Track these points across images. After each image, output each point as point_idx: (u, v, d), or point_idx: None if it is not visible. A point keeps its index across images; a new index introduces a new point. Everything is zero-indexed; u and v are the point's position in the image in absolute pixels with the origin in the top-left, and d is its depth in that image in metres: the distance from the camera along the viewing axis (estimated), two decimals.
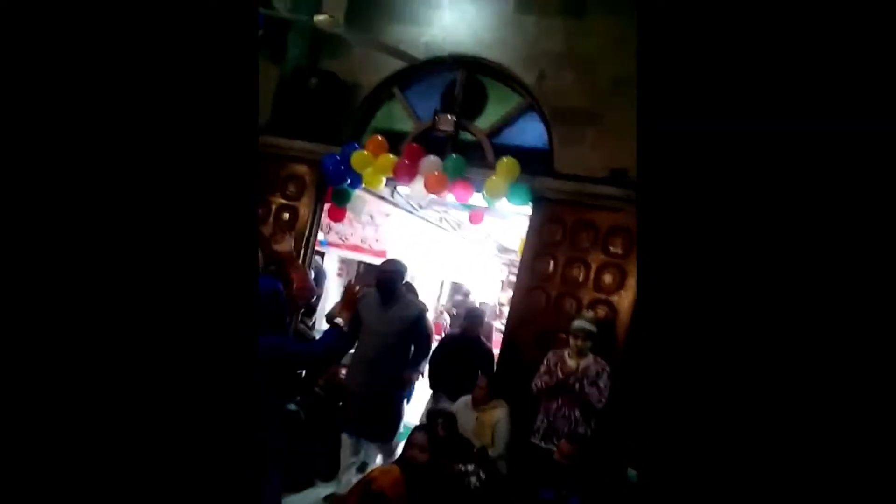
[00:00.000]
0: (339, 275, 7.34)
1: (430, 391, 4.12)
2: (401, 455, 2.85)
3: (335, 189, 3.81)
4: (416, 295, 4.81)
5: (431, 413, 3.47)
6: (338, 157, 3.72)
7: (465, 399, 3.56)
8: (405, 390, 3.62)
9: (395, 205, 7.24)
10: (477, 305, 4.27)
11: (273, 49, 4.04)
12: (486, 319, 6.64)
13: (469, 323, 4.22)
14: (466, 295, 8.14)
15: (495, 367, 3.98)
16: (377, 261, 6.51)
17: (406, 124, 4.17)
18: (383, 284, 3.38)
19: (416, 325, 3.48)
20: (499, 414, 3.43)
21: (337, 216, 4.10)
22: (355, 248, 7.20)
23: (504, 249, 9.43)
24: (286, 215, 4.15)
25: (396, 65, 3.98)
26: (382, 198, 6.73)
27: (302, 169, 4.13)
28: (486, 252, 9.63)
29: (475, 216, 4.62)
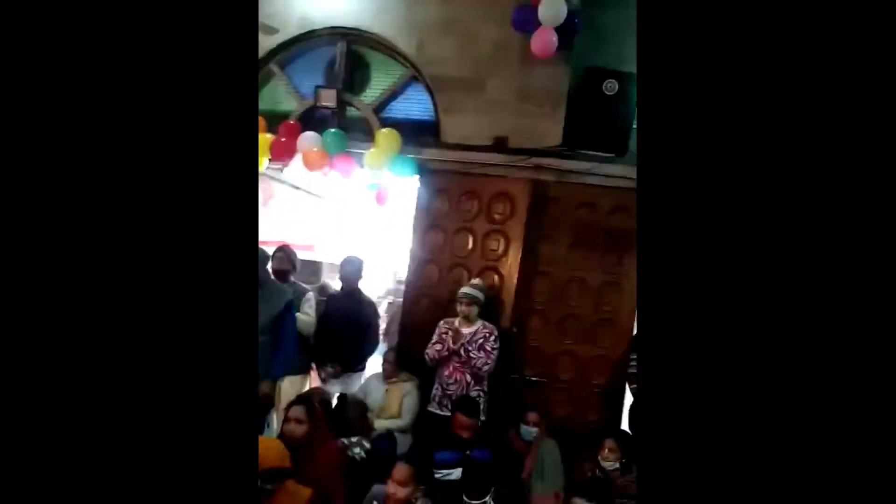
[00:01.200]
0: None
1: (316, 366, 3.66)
2: (279, 431, 2.75)
3: None
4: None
5: (301, 394, 3.29)
6: None
7: (376, 372, 3.52)
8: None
9: (312, 193, 7.11)
10: (355, 255, 3.88)
11: None
12: None
13: (345, 273, 3.71)
14: (401, 282, 8.06)
15: (391, 337, 3.88)
16: (307, 255, 6.36)
17: (290, 103, 4.05)
18: None
19: (284, 316, 3.01)
20: (408, 387, 3.44)
21: None
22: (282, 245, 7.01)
23: None
24: None
25: (271, 41, 3.86)
26: (298, 187, 6.60)
27: None
28: None
29: (379, 197, 4.54)
